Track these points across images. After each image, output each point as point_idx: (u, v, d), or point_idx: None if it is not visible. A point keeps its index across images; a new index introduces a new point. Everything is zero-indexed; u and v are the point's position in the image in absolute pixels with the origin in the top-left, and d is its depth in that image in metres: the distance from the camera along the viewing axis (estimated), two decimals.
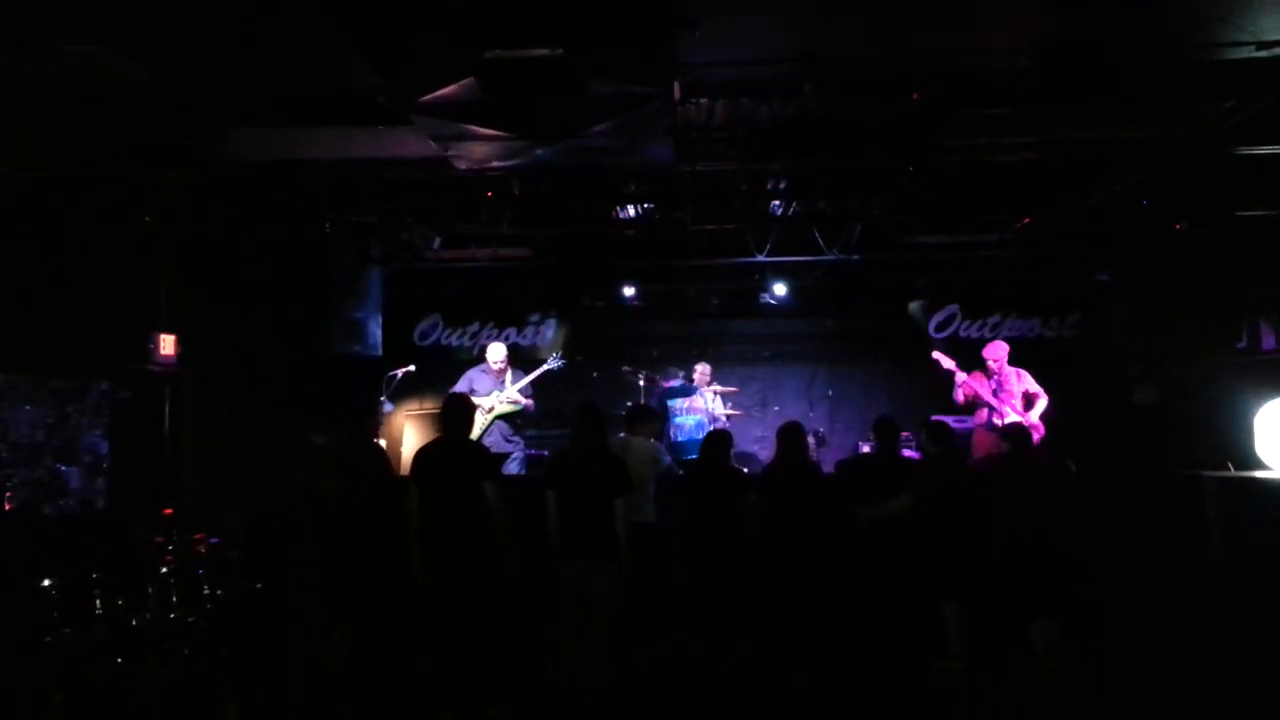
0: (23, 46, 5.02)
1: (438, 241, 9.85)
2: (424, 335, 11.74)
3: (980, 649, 6.06)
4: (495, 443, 8.38)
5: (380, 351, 9.19)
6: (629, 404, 8.72)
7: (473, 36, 4.71)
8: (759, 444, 11.30)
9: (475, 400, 7.13)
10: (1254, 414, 7.04)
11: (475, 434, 7.41)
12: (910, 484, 6.23)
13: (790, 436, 6.34)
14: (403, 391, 9.49)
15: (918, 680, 6.00)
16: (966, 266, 10.97)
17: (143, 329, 8.10)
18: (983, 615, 6.09)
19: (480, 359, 9.02)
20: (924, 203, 9.05)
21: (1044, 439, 7.97)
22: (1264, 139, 6.75)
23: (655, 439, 6.94)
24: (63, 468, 7.27)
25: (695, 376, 9.91)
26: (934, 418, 7.08)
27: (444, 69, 5.04)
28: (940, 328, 11.38)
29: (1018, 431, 6.66)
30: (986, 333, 11.17)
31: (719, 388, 9.90)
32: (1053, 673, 5.86)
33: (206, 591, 5.12)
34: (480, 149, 6.50)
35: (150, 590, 4.90)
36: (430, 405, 10.78)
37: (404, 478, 7.26)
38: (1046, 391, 8.25)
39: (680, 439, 9.13)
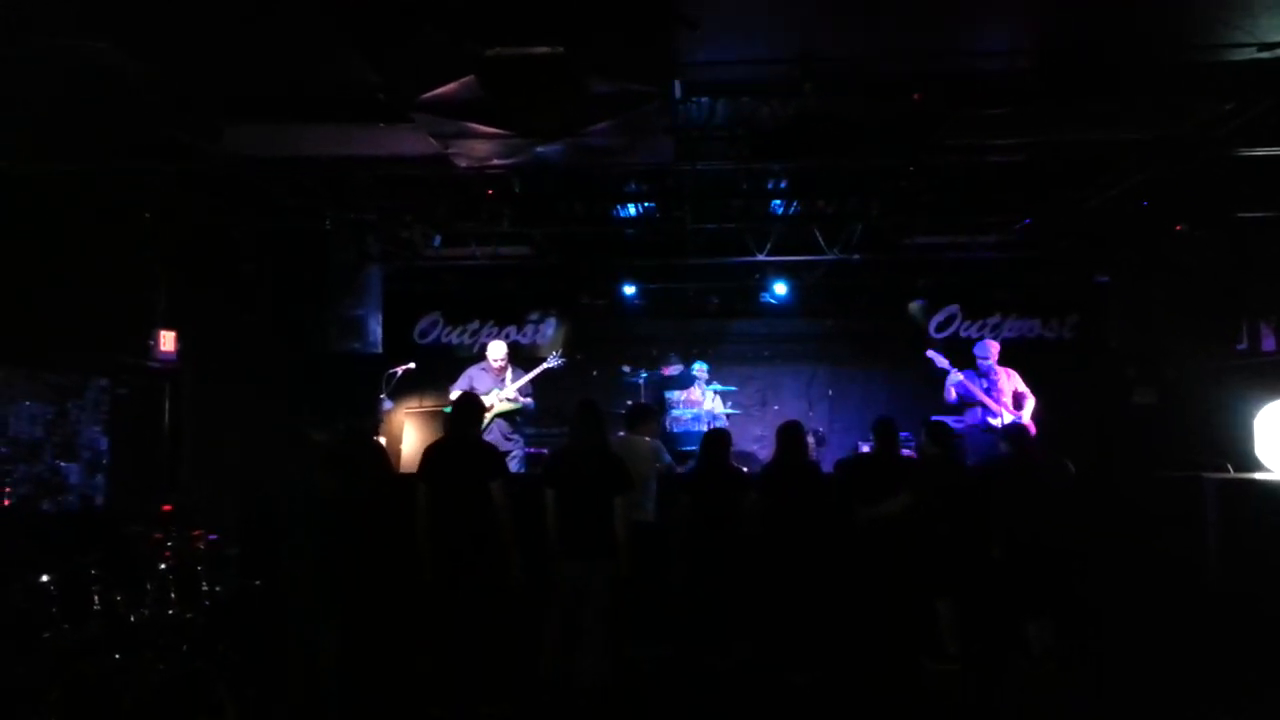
0: (21, 42, 5.02)
1: (438, 239, 9.85)
2: (424, 333, 11.75)
3: (976, 649, 6.06)
4: (494, 441, 8.35)
5: (380, 349, 9.20)
6: (629, 403, 8.72)
7: (473, 34, 4.70)
8: (758, 443, 11.30)
9: None
10: (1253, 415, 7.05)
11: None
12: (909, 484, 6.23)
13: (790, 436, 6.34)
14: (402, 389, 9.49)
15: (914, 680, 6.01)
16: (966, 267, 10.98)
17: (142, 325, 8.11)
18: (979, 615, 6.10)
19: (480, 357, 9.02)
20: (924, 203, 9.06)
21: (1047, 438, 7.99)
22: (1264, 140, 6.74)
23: (655, 436, 6.94)
24: (62, 464, 7.27)
25: (693, 374, 9.91)
26: (934, 418, 7.08)
27: (444, 66, 5.04)
28: (940, 328, 11.40)
29: (1017, 432, 6.66)
30: (987, 333, 11.19)
31: (718, 387, 9.90)
32: (1048, 673, 5.86)
33: (204, 588, 5.11)
34: (481, 147, 6.50)
35: (148, 586, 4.90)
36: (430, 403, 10.78)
37: (404, 475, 7.26)
38: (1047, 392, 8.26)
39: (676, 430, 9.13)
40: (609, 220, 10.10)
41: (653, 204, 9.71)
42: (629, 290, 11.45)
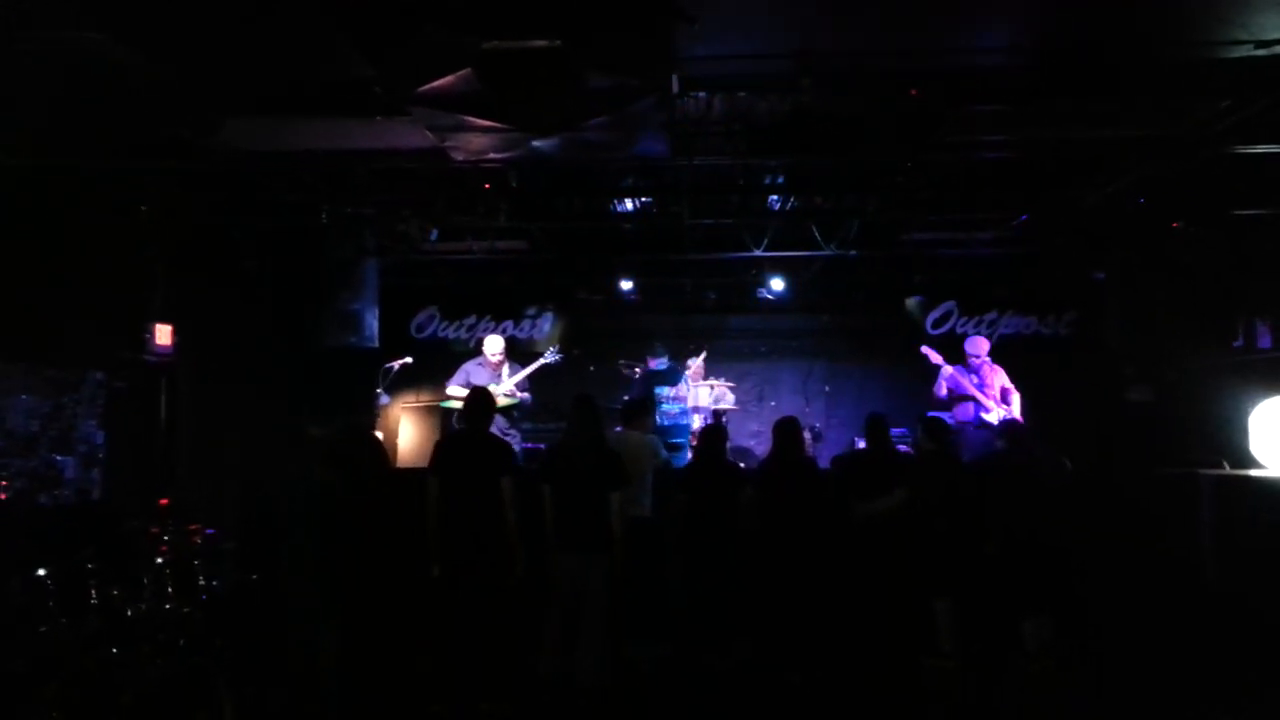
0: (20, 38, 5.01)
1: (435, 233, 9.84)
2: (420, 327, 11.74)
3: (972, 647, 6.07)
4: None
5: (376, 343, 9.18)
6: (625, 398, 8.72)
7: (471, 27, 4.69)
8: (755, 439, 11.32)
9: None
10: (1249, 413, 7.06)
11: None
12: (905, 480, 6.24)
13: (786, 432, 6.34)
14: (399, 384, 9.49)
15: (911, 677, 6.02)
16: (963, 263, 11.00)
17: (139, 319, 8.09)
18: (975, 613, 6.11)
19: (477, 352, 9.02)
20: (921, 199, 9.06)
21: (1044, 434, 8.02)
22: (1261, 138, 6.75)
23: (649, 431, 6.94)
24: (58, 458, 7.26)
25: (689, 371, 9.90)
26: (930, 414, 7.09)
27: (441, 60, 5.03)
28: (937, 324, 11.42)
29: (1014, 428, 6.67)
30: (983, 330, 11.21)
31: (713, 382, 9.90)
32: (1044, 671, 5.87)
33: (202, 582, 5.11)
34: (477, 141, 6.48)
35: (145, 581, 4.89)
36: (427, 398, 10.77)
37: (401, 470, 7.26)
38: (1043, 389, 8.30)
39: (665, 424, 9.12)
40: (606, 215, 10.09)
41: (650, 199, 9.70)
42: (626, 285, 11.44)
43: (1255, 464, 6.95)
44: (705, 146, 7.49)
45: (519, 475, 5.49)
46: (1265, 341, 8.80)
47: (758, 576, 6.07)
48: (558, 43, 4.73)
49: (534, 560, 5.48)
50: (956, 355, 8.48)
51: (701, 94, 6.72)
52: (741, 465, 7.63)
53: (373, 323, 9.18)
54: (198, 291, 8.75)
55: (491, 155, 6.92)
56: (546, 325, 11.85)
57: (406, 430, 10.85)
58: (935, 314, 11.45)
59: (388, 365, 8.90)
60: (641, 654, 6.20)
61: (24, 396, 7.03)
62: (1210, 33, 5.52)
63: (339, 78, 6.01)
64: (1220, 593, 6.20)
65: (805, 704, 5.72)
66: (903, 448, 8.07)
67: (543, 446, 8.90)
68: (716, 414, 9.33)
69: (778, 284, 11.23)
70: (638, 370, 9.97)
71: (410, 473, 7.93)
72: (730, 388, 10.12)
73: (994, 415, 8.00)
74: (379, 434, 8.57)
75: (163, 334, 8.16)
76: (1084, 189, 8.49)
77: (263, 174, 8.02)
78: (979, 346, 8.31)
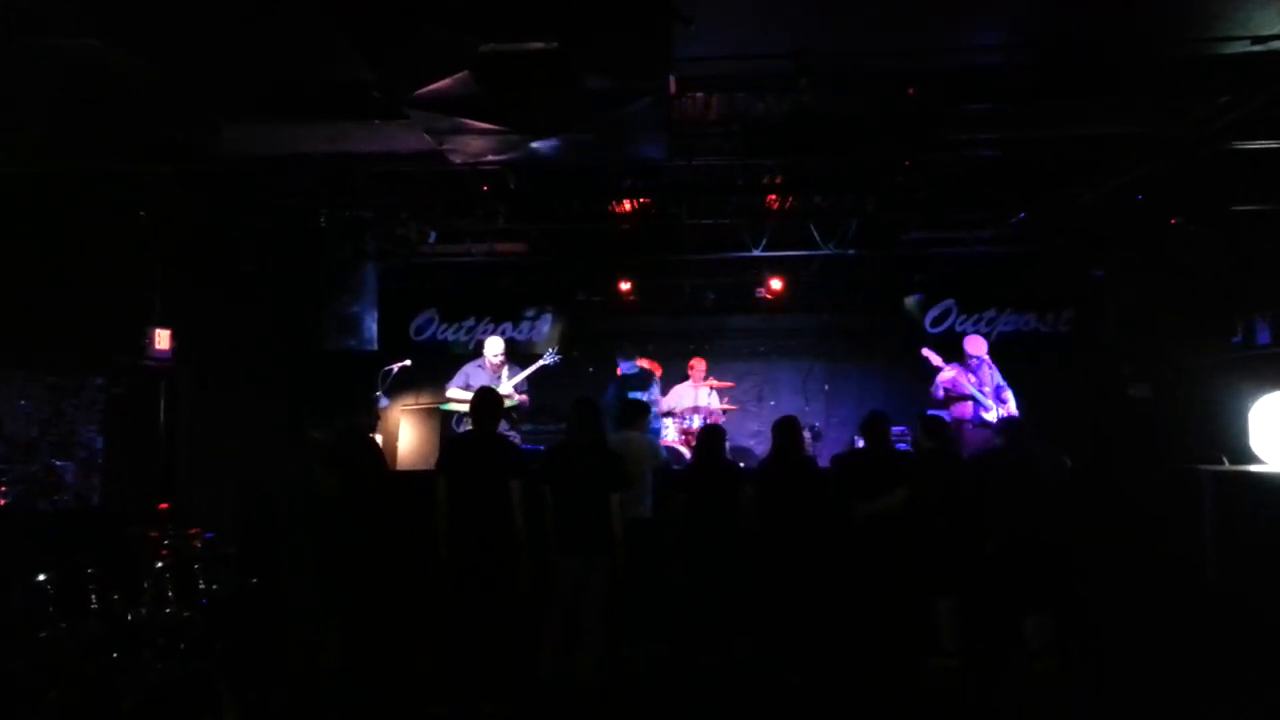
0: (19, 40, 5.01)
1: (434, 236, 9.83)
2: (420, 330, 11.74)
3: (974, 645, 6.07)
4: None
5: (376, 346, 9.18)
6: (627, 399, 8.71)
7: (468, 29, 4.69)
8: (755, 439, 11.32)
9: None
10: (1249, 409, 7.06)
11: None
12: (905, 478, 6.24)
13: (786, 431, 6.34)
14: (399, 387, 9.48)
15: (912, 677, 6.01)
16: (962, 262, 11.00)
17: (138, 324, 8.09)
18: (977, 611, 6.11)
19: (476, 354, 9.02)
20: (920, 198, 9.05)
21: (1043, 432, 8.03)
22: (1259, 134, 6.75)
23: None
24: (58, 463, 7.27)
25: (690, 371, 9.91)
26: (929, 412, 7.09)
27: (440, 62, 5.02)
28: (935, 323, 11.41)
29: (1012, 426, 6.67)
30: (982, 328, 11.21)
31: (714, 382, 9.91)
32: (1046, 668, 5.87)
33: (202, 587, 5.11)
34: (476, 143, 6.48)
35: (146, 586, 4.89)
36: (426, 400, 10.76)
37: (401, 473, 7.24)
38: (1042, 387, 8.33)
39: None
40: (605, 216, 10.09)
41: (648, 200, 9.70)
42: (625, 286, 11.44)
43: (1255, 460, 6.95)
44: (703, 147, 7.49)
45: (527, 477, 5.48)
46: (1264, 338, 8.80)
47: (758, 576, 6.06)
48: (555, 44, 4.73)
49: (535, 561, 5.47)
50: (956, 355, 8.49)
51: (699, 94, 6.72)
52: (741, 465, 7.63)
53: (372, 325, 9.18)
54: (197, 295, 8.74)
55: (490, 157, 6.91)
56: (545, 327, 11.85)
57: (406, 433, 10.83)
58: (934, 312, 11.45)
59: (387, 368, 8.90)
60: (641, 654, 6.20)
61: (23, 402, 7.04)
62: (1207, 29, 5.53)
63: (337, 80, 6.02)
64: (1221, 588, 6.21)
65: (806, 704, 5.71)
66: (902, 446, 8.08)
67: (543, 448, 8.90)
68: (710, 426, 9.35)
69: (776, 284, 11.23)
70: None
71: (410, 475, 7.94)
72: (729, 387, 10.14)
73: (993, 414, 8.02)
74: (378, 437, 8.56)
75: (161, 339, 8.16)
76: (1082, 187, 8.49)
77: (261, 177, 8.01)
78: (978, 346, 8.33)
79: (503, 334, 11.12)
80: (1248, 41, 5.56)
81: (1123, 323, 9.99)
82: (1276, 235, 8.43)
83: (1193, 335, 9.33)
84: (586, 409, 5.79)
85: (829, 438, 10.92)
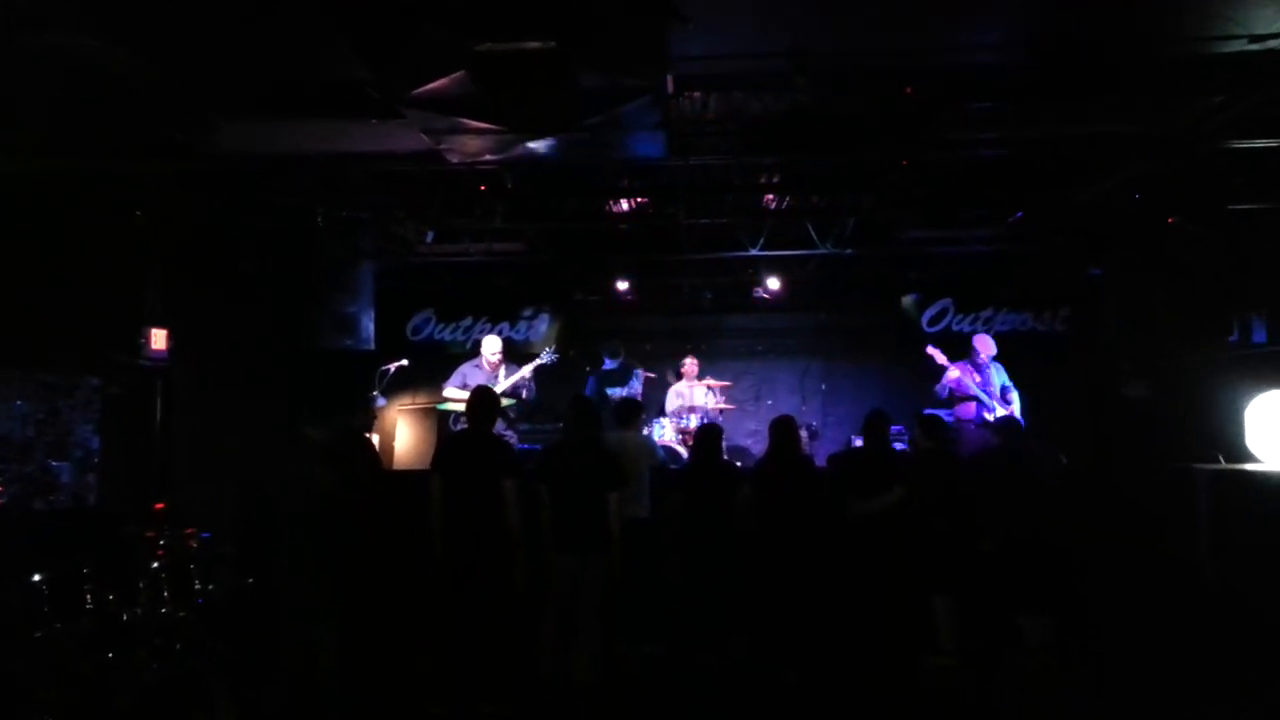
0: (16, 39, 4.99)
1: (430, 235, 9.82)
2: (417, 330, 11.74)
3: (971, 644, 6.07)
4: None
5: (373, 346, 9.18)
6: (619, 399, 8.71)
7: (465, 29, 4.69)
8: (752, 438, 11.31)
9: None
10: (1245, 407, 7.06)
11: None
12: (902, 477, 6.24)
13: (783, 430, 6.34)
14: (395, 386, 9.47)
15: (909, 675, 6.02)
16: (959, 261, 11.01)
17: (134, 323, 8.07)
18: (974, 609, 6.11)
19: (474, 353, 9.01)
20: (916, 197, 9.06)
21: (1042, 432, 8.03)
22: (1256, 133, 6.75)
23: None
24: (54, 463, 7.24)
25: (683, 370, 9.91)
26: (927, 411, 7.09)
27: (436, 62, 5.02)
28: (933, 322, 11.43)
29: (1010, 425, 6.67)
30: (979, 327, 11.22)
31: (711, 381, 9.91)
32: (1043, 667, 5.87)
33: (198, 586, 5.10)
34: (472, 142, 6.47)
35: (141, 585, 4.88)
36: (423, 400, 10.76)
37: (397, 472, 7.22)
38: (1039, 385, 8.32)
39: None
40: (602, 216, 10.09)
41: (645, 199, 9.70)
42: (622, 286, 11.44)
43: (1251, 458, 6.95)
44: (700, 146, 7.48)
45: (521, 476, 5.48)
46: (1260, 336, 8.80)
47: (754, 575, 6.06)
48: (552, 44, 4.72)
49: (531, 560, 5.47)
50: (957, 354, 8.48)
51: (696, 94, 6.72)
52: (738, 464, 7.63)
53: (369, 325, 9.17)
54: (194, 295, 8.72)
55: (487, 157, 6.91)
56: (543, 326, 11.85)
57: (403, 432, 10.83)
58: (931, 311, 11.46)
59: (384, 367, 8.89)
60: (638, 653, 6.20)
61: (19, 402, 7.01)
62: (1204, 28, 5.53)
63: (335, 80, 6.00)
64: (1217, 586, 6.21)
65: (802, 703, 5.71)
66: (900, 445, 8.07)
67: (539, 447, 8.90)
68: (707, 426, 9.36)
69: (774, 283, 11.24)
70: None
71: (406, 474, 7.93)
72: (726, 386, 10.14)
73: (998, 414, 7.99)
74: (375, 437, 8.56)
75: (158, 338, 8.13)
76: (1079, 186, 8.49)
77: (258, 176, 8.00)
78: (987, 345, 8.31)
79: (500, 333, 11.12)
80: (1245, 40, 5.56)
81: (1120, 322, 10.00)
82: (1273, 234, 8.43)
83: (1189, 334, 9.33)
84: (583, 408, 5.79)
85: (826, 437, 10.92)
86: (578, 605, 5.45)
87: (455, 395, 8.37)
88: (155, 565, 4.98)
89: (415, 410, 10.88)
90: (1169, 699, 5.39)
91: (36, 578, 4.66)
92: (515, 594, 5.37)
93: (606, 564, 5.47)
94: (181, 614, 4.94)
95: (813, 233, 9.86)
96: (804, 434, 8.32)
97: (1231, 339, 8.98)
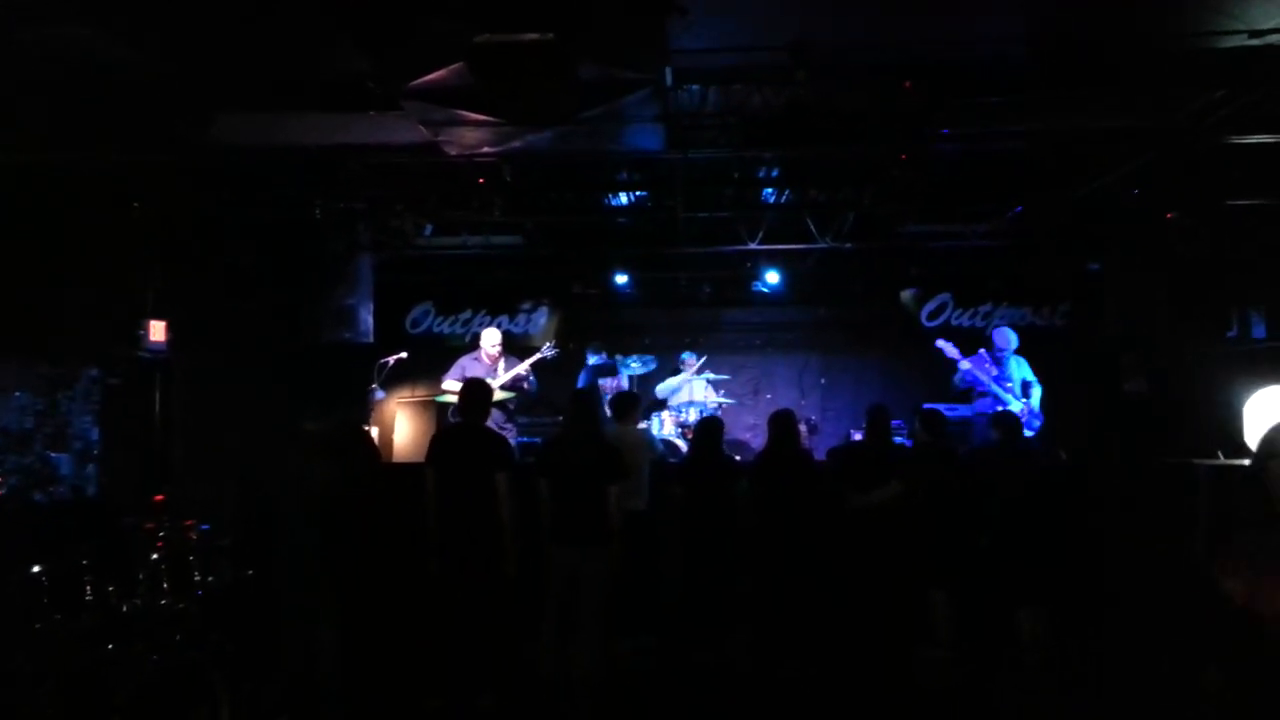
0: (12, 31, 4.98)
1: (429, 228, 9.81)
2: (416, 323, 11.74)
3: (968, 638, 6.08)
4: None
5: (371, 339, 9.17)
6: (616, 391, 8.73)
7: (463, 20, 4.68)
8: (751, 432, 11.32)
9: None
10: (1244, 402, 7.06)
11: None
12: (900, 472, 6.25)
13: (782, 424, 6.35)
14: (394, 379, 9.48)
15: (907, 670, 6.03)
16: (958, 255, 10.99)
17: (133, 315, 8.07)
18: (971, 604, 6.12)
19: (473, 346, 9.01)
20: (916, 192, 9.04)
21: (1044, 426, 8.01)
22: (1255, 129, 6.74)
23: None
24: (53, 454, 7.25)
25: (684, 366, 9.92)
26: (925, 405, 7.09)
27: (435, 54, 5.01)
28: (932, 316, 11.43)
29: (1007, 420, 6.67)
30: (978, 321, 11.22)
31: (710, 375, 9.91)
32: (1039, 662, 5.88)
33: (197, 578, 5.10)
34: (470, 135, 6.47)
35: (141, 577, 4.89)
36: (422, 393, 10.77)
37: (396, 465, 7.22)
38: (1038, 380, 8.29)
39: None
40: (601, 209, 10.07)
41: (644, 193, 9.68)
42: (621, 279, 11.44)
43: (1249, 453, 6.95)
44: (700, 139, 7.46)
45: (515, 469, 5.48)
46: (1260, 332, 8.80)
47: (753, 569, 6.07)
48: (550, 35, 4.71)
49: (531, 553, 5.48)
50: (973, 348, 8.44)
51: (695, 87, 6.69)
52: (737, 458, 7.64)
53: (368, 318, 9.17)
54: (191, 287, 8.71)
55: (485, 149, 6.91)
56: (542, 320, 11.85)
57: (402, 425, 10.84)
58: (930, 306, 11.47)
59: (383, 360, 8.89)
60: (636, 647, 6.21)
61: (18, 393, 7.02)
62: (1204, 23, 5.52)
63: (332, 72, 5.99)
64: (1215, 582, 6.20)
65: (800, 696, 5.73)
66: (899, 439, 8.07)
67: (539, 440, 8.91)
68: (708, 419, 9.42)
69: (773, 277, 11.23)
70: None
71: (405, 467, 7.93)
72: (724, 380, 10.15)
73: (1014, 408, 7.95)
74: (374, 429, 8.56)
75: (157, 330, 8.13)
76: (1079, 181, 8.48)
77: (256, 169, 7.99)
78: (1007, 339, 8.26)
79: (499, 326, 11.13)
80: (1244, 35, 5.55)
81: (1118, 316, 9.99)
82: (1272, 229, 8.43)
83: (1189, 329, 9.32)
84: (584, 402, 5.80)
85: (825, 431, 10.92)
86: (578, 600, 5.46)
87: (454, 388, 8.36)
88: (155, 557, 4.98)
89: (414, 403, 10.89)
90: (1164, 695, 5.40)
91: (36, 569, 4.67)
92: (509, 587, 5.38)
93: (607, 558, 5.48)
94: (181, 605, 4.95)
95: (812, 227, 9.84)
96: (803, 428, 8.33)
97: (1231, 334, 8.98)
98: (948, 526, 6.11)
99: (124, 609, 4.81)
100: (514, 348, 9.50)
